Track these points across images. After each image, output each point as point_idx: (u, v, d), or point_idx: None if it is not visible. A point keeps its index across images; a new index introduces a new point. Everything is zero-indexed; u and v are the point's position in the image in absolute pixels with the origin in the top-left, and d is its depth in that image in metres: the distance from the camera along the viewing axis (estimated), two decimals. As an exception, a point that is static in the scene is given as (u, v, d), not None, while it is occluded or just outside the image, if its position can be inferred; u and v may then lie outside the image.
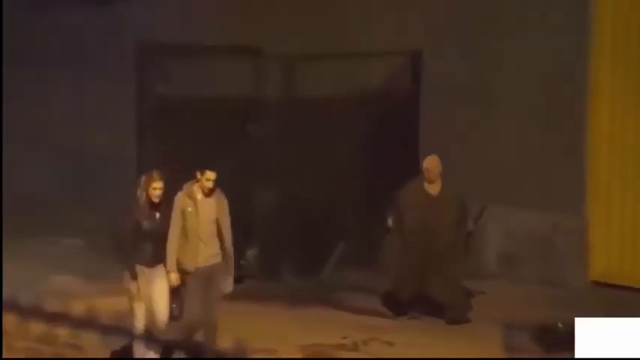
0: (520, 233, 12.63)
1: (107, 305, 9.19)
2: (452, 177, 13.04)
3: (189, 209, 9.46)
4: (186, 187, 9.59)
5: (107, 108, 15.51)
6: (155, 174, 9.36)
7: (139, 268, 9.30)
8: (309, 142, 12.92)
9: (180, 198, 9.51)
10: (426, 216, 10.98)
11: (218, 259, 9.50)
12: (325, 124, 12.98)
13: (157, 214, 9.39)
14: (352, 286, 12.50)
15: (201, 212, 9.47)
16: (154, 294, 9.29)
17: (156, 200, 9.32)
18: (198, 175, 9.51)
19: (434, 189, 11.15)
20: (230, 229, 9.58)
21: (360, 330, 10.86)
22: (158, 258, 9.39)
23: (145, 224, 9.36)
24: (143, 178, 9.40)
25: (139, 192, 9.39)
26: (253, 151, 12.84)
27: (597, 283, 12.20)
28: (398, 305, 11.24)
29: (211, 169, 9.51)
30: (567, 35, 12.47)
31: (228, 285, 9.52)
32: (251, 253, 12.98)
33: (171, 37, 13.86)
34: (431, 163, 11.15)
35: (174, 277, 9.37)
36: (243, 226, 12.97)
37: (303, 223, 12.86)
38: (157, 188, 9.32)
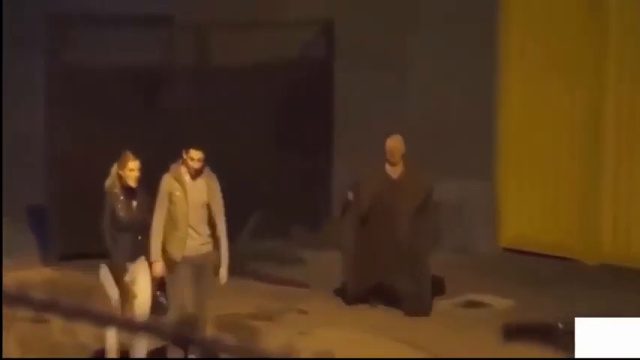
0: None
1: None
2: (367, 145, 13.11)
3: (177, 193, 8.65)
4: (173, 168, 8.78)
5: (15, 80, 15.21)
6: (129, 154, 8.53)
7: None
8: (223, 111, 12.84)
9: (166, 180, 8.73)
10: (386, 200, 10.20)
11: (209, 247, 8.73)
12: (239, 93, 12.93)
13: (134, 203, 8.56)
14: (267, 256, 12.47)
15: (191, 196, 8.66)
16: (139, 291, 8.51)
17: (134, 184, 8.51)
18: (184, 154, 8.74)
19: (395, 172, 10.35)
20: (223, 213, 8.80)
21: (274, 299, 10.87)
22: (139, 251, 8.57)
23: (122, 216, 8.51)
24: (115, 166, 8.57)
25: (109, 181, 8.56)
26: (167, 120, 12.71)
27: (508, 250, 12.35)
28: (351, 295, 10.52)
29: (196, 148, 8.69)
30: (480, 6, 12.52)
31: (223, 275, 8.73)
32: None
33: (83, 6, 13.62)
34: (393, 145, 10.32)
35: (160, 267, 8.56)
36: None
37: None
38: (134, 169, 8.51)
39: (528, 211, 12.36)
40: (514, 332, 9.21)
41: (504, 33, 12.41)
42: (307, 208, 13.45)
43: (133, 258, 8.56)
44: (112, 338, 8.32)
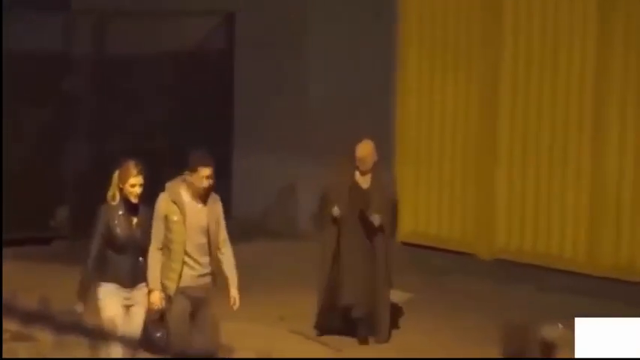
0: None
1: None
2: (267, 129, 12.99)
3: (175, 218, 7.49)
4: (170, 187, 7.58)
5: None
6: (132, 166, 7.45)
7: (111, 287, 7.44)
8: (123, 98, 12.61)
9: (162, 202, 7.54)
10: (353, 210, 9.11)
11: (208, 279, 7.68)
12: (140, 81, 12.71)
13: (135, 220, 7.49)
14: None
15: (190, 221, 7.53)
16: (133, 322, 7.49)
17: (135, 200, 7.43)
18: (187, 173, 7.54)
19: (365, 181, 9.24)
20: (227, 238, 7.75)
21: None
22: (138, 276, 7.46)
23: (120, 232, 7.40)
24: (116, 174, 7.51)
25: (110, 192, 7.48)
26: (66, 107, 12.38)
27: (406, 244, 12.28)
28: (322, 321, 9.45)
29: (206, 164, 7.46)
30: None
31: (235, 296, 7.74)
32: (61, 212, 12.47)
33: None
34: (364, 152, 9.19)
35: (157, 297, 7.48)
36: (54, 185, 12.55)
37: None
38: (135, 185, 7.41)
39: (426, 206, 12.35)
40: (512, 335, 8.57)
41: (402, 22, 12.31)
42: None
43: (133, 283, 7.51)
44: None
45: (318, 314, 9.37)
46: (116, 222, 7.41)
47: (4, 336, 8.60)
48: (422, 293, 10.73)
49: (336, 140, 12.73)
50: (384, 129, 12.47)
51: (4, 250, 11.21)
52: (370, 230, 9.05)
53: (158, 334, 7.51)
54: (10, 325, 7.93)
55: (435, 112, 12.37)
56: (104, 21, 12.86)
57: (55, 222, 12.45)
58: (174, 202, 7.52)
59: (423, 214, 12.42)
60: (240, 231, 12.25)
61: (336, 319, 9.35)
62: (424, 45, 12.36)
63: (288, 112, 13.02)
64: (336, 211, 8.99)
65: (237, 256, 10.84)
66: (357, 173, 9.17)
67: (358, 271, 9.15)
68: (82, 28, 12.75)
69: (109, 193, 7.48)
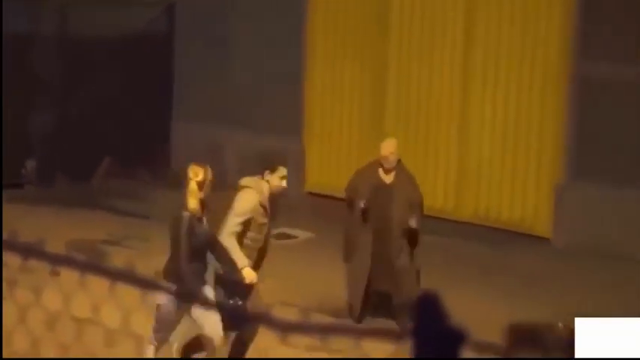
0: (251, 153, 12.97)
1: None
2: (201, 103, 13.27)
3: (261, 220, 6.63)
4: (258, 187, 6.55)
5: None
6: (210, 172, 6.46)
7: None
8: (82, 73, 12.85)
9: (253, 202, 6.58)
10: (379, 206, 8.40)
11: None
12: (95, 59, 12.93)
13: (205, 222, 6.52)
14: (118, 192, 12.56)
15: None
16: (207, 326, 6.43)
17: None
18: (268, 173, 6.63)
19: (388, 178, 8.55)
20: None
21: (122, 228, 10.99)
22: (204, 279, 6.53)
23: (202, 239, 6.38)
24: (194, 182, 6.44)
25: (192, 202, 6.35)
26: (32, 79, 12.60)
27: (311, 194, 12.77)
28: (354, 308, 8.62)
29: (284, 164, 6.65)
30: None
31: None
32: (30, 163, 12.84)
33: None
34: (389, 150, 8.48)
35: (253, 274, 6.62)
36: (25, 141, 12.81)
37: (76, 140, 12.85)
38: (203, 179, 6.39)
39: (328, 166, 12.90)
40: (515, 333, 7.76)
41: (310, 5, 12.71)
42: (150, 157, 13.59)
43: (204, 284, 6.55)
44: (216, 324, 6.57)
45: (349, 300, 8.64)
46: (199, 230, 6.47)
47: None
48: (321, 234, 11.15)
49: (257, 112, 13.19)
50: (295, 106, 12.93)
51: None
52: (393, 219, 8.37)
53: (235, 301, 6.71)
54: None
55: (336, 93, 12.98)
56: (66, 7, 13.02)
57: (25, 171, 12.84)
58: (262, 205, 6.76)
59: (325, 173, 13.01)
60: (177, 181, 12.66)
61: (367, 304, 8.70)
62: (328, 37, 12.92)
63: (218, 89, 13.35)
64: (362, 203, 8.39)
65: (173, 202, 11.30)
66: (381, 170, 8.57)
67: (382, 261, 8.44)
68: (46, 13, 12.91)
69: (192, 203, 6.45)
